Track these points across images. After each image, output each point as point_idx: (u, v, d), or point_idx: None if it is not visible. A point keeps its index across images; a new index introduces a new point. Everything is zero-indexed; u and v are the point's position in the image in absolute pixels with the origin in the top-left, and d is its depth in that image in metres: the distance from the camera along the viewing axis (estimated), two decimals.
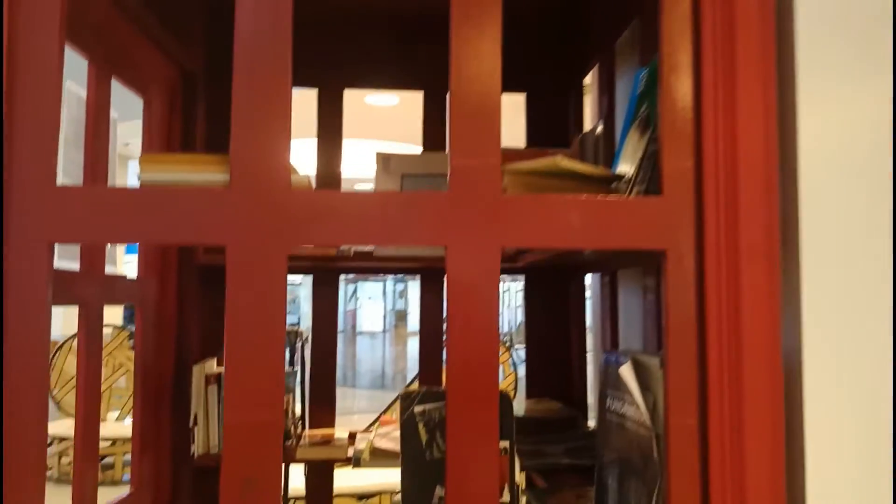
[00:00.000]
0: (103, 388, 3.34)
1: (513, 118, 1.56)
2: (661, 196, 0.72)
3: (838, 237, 0.75)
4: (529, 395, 1.49)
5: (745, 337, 0.71)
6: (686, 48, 0.73)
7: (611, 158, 1.08)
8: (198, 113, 1.33)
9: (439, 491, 0.86)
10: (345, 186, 1.67)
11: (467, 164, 0.72)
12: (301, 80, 1.41)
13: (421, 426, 0.74)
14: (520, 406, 1.33)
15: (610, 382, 0.85)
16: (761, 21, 0.73)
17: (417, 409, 0.74)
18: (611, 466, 0.86)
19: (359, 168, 6.49)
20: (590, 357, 1.44)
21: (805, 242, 0.74)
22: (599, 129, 1.14)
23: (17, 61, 0.69)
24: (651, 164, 0.76)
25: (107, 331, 4.16)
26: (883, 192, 0.76)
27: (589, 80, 1.39)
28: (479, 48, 0.71)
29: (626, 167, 0.83)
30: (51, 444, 3.92)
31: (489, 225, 0.71)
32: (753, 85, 0.73)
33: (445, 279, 0.71)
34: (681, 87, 0.73)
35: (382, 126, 5.54)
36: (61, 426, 3.99)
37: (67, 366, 4.18)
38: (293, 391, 1.45)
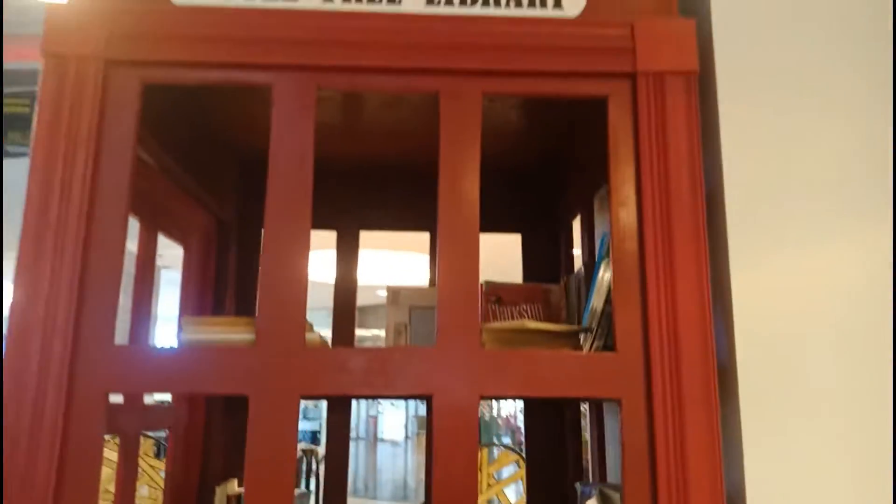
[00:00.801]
0: None
1: (513, 254, 1.73)
2: (616, 352, 0.85)
3: (772, 383, 0.87)
4: None
5: (690, 473, 0.82)
6: (632, 229, 0.89)
7: None
8: (230, 255, 1.51)
9: None
10: (363, 293, 1.83)
11: (451, 322, 0.86)
12: (322, 224, 1.57)
13: None
14: None
15: None
16: (693, 205, 0.88)
17: None
18: None
19: (374, 274, 6.80)
20: None
21: (742, 390, 0.87)
22: (582, 271, 1.29)
23: (91, 240, 0.86)
24: (608, 322, 0.90)
25: None
26: (812, 343, 0.88)
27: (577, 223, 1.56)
28: (461, 260, 0.87)
29: (591, 320, 0.97)
30: None
31: (469, 376, 0.84)
32: (688, 257, 0.87)
33: (432, 422, 0.84)
34: (628, 259, 0.88)
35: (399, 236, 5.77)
36: None
37: None
38: None
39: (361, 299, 1.86)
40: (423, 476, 9.91)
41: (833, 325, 0.89)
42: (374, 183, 1.62)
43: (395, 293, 1.56)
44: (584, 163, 1.40)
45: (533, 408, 1.60)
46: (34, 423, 0.80)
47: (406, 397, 1.48)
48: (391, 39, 0.89)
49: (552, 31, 0.90)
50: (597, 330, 0.92)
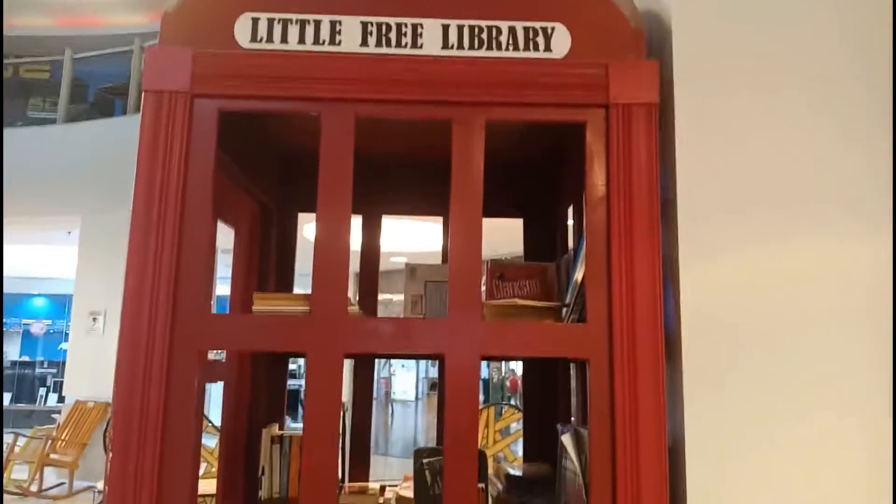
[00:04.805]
0: None
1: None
2: (587, 324, 1.11)
3: (710, 350, 1.12)
4: (526, 458, 1.84)
5: (640, 416, 1.07)
6: (601, 232, 1.13)
7: None
8: (272, 237, 1.77)
9: None
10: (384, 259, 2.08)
11: (459, 301, 1.11)
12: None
13: (427, 473, 1.11)
14: (518, 468, 1.68)
15: (563, 447, 1.22)
16: (650, 208, 1.12)
17: (425, 461, 1.12)
18: None
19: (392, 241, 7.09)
20: None
21: (685, 354, 1.12)
22: (571, 254, 1.54)
23: (184, 233, 1.11)
24: (582, 300, 1.15)
25: None
26: (747, 321, 1.12)
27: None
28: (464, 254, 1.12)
29: (570, 296, 1.22)
30: None
31: (473, 341, 1.10)
32: (645, 249, 1.11)
33: (444, 375, 1.10)
34: (598, 252, 1.12)
35: None
36: None
37: None
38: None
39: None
40: (431, 434, 10.31)
41: (766, 307, 1.13)
42: (396, 175, 1.86)
43: (412, 269, 1.82)
44: (576, 161, 1.63)
45: (530, 367, 1.86)
46: (145, 374, 1.06)
47: (423, 356, 1.75)
48: (414, 77, 1.13)
49: (543, 71, 1.14)
50: (573, 305, 1.17)
